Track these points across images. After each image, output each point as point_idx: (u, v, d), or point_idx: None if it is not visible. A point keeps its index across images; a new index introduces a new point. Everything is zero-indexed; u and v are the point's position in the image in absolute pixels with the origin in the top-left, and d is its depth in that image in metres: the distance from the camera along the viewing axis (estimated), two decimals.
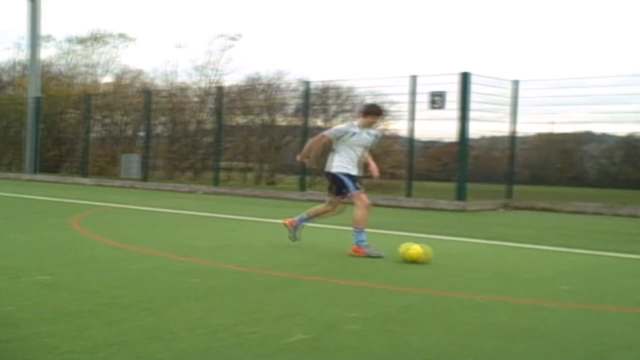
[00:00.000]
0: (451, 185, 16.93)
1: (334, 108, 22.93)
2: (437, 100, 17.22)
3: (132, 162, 24.99)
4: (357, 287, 5.72)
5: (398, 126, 20.30)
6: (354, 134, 7.78)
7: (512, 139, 18.65)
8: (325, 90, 22.49)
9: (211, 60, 30.15)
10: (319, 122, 22.61)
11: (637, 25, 56.06)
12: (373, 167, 8.12)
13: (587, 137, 22.45)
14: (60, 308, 4.52)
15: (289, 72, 26.14)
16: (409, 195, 17.68)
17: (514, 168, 18.84)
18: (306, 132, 20.60)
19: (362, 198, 7.74)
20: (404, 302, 5.10)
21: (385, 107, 21.03)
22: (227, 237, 9.31)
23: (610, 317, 4.90)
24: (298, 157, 8.39)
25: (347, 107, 22.80)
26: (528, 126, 19.52)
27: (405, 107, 18.35)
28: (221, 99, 22.80)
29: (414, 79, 17.97)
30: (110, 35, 33.47)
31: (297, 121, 21.73)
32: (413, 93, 17.94)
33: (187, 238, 8.90)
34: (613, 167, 22.40)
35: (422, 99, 17.63)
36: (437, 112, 17.43)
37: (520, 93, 18.37)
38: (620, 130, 20.08)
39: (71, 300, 4.77)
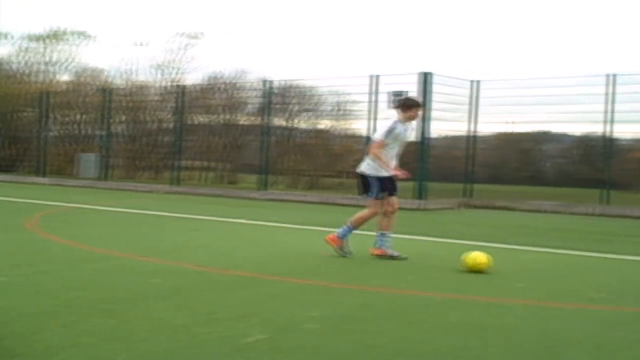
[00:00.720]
0: (411, 185, 17.05)
1: (295, 108, 22.93)
2: (398, 99, 17.34)
3: (89, 162, 24.72)
4: (316, 287, 5.76)
5: (360, 126, 20.37)
6: (401, 129, 7.50)
7: (472, 138, 18.86)
8: (286, 89, 22.48)
9: (172, 59, 29.96)
10: (281, 122, 22.61)
11: (594, 27, 56.98)
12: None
13: (545, 137, 22.78)
14: (15, 310, 4.47)
15: (250, 72, 26.11)
16: None
17: (474, 167, 19.05)
18: (268, 131, 20.61)
19: (376, 206, 7.49)
20: (362, 301, 5.15)
21: (348, 107, 21.17)
22: (188, 237, 9.28)
23: (564, 314, 5.00)
24: (401, 174, 7.55)
25: (309, 107, 22.82)
26: (488, 126, 19.78)
27: (372, 107, 18.44)
28: (182, 98, 22.69)
29: (375, 78, 18.08)
30: (70, 33, 33.02)
31: (259, 120, 21.70)
32: (374, 93, 18.04)
33: (148, 238, 8.85)
34: (570, 167, 22.74)
35: (384, 99, 17.73)
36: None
37: (481, 93, 18.60)
38: (578, 130, 20.39)
39: (26, 302, 4.72)
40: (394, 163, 7.55)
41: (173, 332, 4.03)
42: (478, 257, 6.60)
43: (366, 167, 7.58)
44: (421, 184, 16.65)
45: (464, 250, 8.65)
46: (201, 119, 24.33)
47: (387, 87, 17.74)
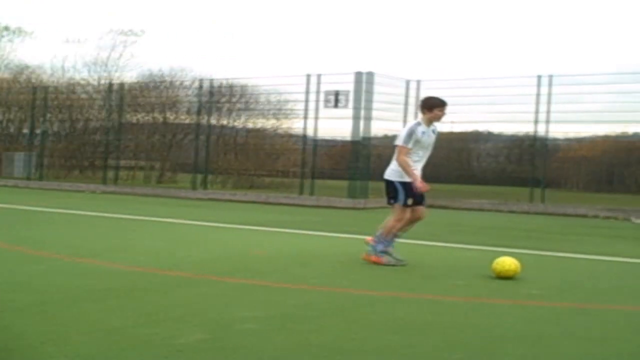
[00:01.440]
0: (354, 184, 17.12)
1: (235, 106, 22.80)
2: (339, 99, 17.39)
3: (16, 161, 24.11)
4: (257, 286, 5.69)
5: (300, 125, 20.35)
6: (423, 132, 7.05)
7: None
8: (225, 88, 22.34)
9: (110, 57, 29.46)
10: (219, 121, 22.45)
11: (530, 29, 58.22)
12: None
13: (483, 137, 23.16)
14: None
15: (190, 70, 25.79)
16: (311, 193, 17.78)
17: None
18: (206, 130, 20.43)
19: (404, 212, 7.12)
20: (303, 300, 5.11)
21: (286, 106, 21.13)
22: (125, 237, 9.11)
23: (503, 310, 5.05)
24: (422, 187, 7.01)
25: (248, 106, 22.72)
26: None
27: (307, 106, 18.44)
28: (120, 96, 22.31)
29: (317, 77, 18.10)
30: (5, 29, 32.16)
31: (197, 119, 21.49)
32: (315, 92, 18.06)
33: (82, 239, 8.65)
34: (509, 165, 23.18)
35: (324, 98, 17.75)
36: (340, 111, 17.60)
37: (422, 93, 18.76)
38: (515, 129, 20.79)
39: None
40: (419, 169, 7.13)
41: (108, 334, 3.92)
42: (507, 264, 6.33)
43: (390, 172, 7.19)
44: (362, 182, 16.71)
45: (405, 248, 8.72)
46: (138, 117, 23.99)
47: (327, 86, 17.78)
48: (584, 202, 16.70)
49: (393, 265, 6.95)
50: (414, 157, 7.07)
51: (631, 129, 20.25)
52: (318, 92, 18.00)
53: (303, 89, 18.26)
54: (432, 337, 4.12)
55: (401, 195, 7.08)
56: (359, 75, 16.87)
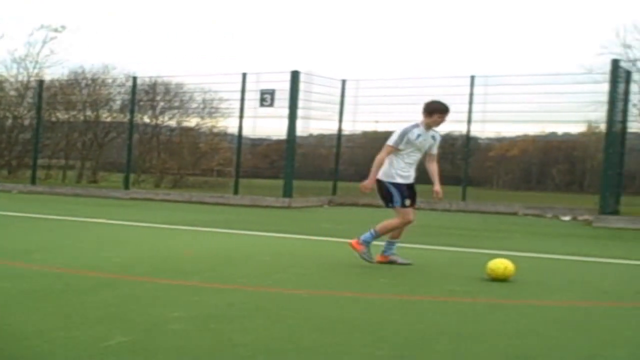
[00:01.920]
0: (279, 183, 17.12)
1: (162, 104, 22.48)
2: (266, 97, 17.35)
3: None
4: (182, 286, 5.63)
5: (228, 123, 20.26)
6: (419, 135, 6.97)
7: (338, 136, 19.14)
8: (153, 86, 22.00)
9: (31, 52, 28.60)
10: (146, 119, 22.11)
11: (458, 29, 59.29)
12: (438, 188, 7.37)
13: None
14: None
15: (115, 67, 25.22)
16: (236, 192, 17.70)
17: (339, 165, 19.34)
18: (133, 128, 20.09)
19: (406, 215, 7.04)
20: (227, 300, 5.08)
21: (215, 104, 20.96)
22: (44, 238, 8.88)
23: (424, 307, 5.14)
24: (367, 185, 7.21)
25: (176, 104, 22.43)
26: (354, 124, 20.12)
27: (235, 105, 18.35)
28: (41, 94, 21.71)
29: (244, 76, 18.00)
30: None
31: (123, 117, 21.11)
32: (243, 90, 17.96)
33: (1, 239, 8.39)
34: None
35: (253, 97, 17.69)
36: (267, 110, 17.56)
37: (348, 92, 18.90)
38: (439, 128, 21.11)
39: None
40: (411, 171, 7.12)
41: (25, 338, 3.81)
42: (503, 266, 6.23)
43: (381, 173, 7.12)
44: (288, 182, 16.72)
45: (331, 247, 8.79)
46: (62, 115, 23.38)
47: (257, 84, 17.73)
48: (505, 200, 17.11)
49: (365, 260, 7.11)
50: (408, 159, 7.04)
51: (549, 129, 20.90)
52: (245, 90, 17.90)
53: (236, 87, 18.14)
54: (356, 334, 4.15)
55: (396, 197, 7.02)
56: (293, 74, 16.85)
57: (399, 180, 7.02)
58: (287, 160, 16.89)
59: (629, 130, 15.45)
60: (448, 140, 21.49)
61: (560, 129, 21.11)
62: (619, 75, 13.90)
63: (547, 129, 20.67)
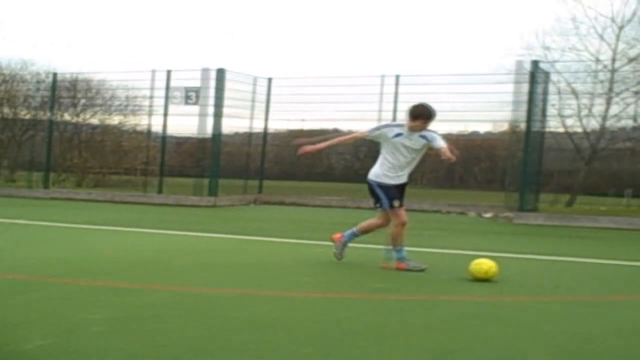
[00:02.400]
0: (204, 181, 16.97)
1: (83, 102, 21.96)
2: (191, 95, 17.17)
3: None
4: (103, 288, 5.51)
5: (151, 121, 19.92)
6: (398, 134, 6.78)
7: (264, 135, 19.09)
8: (74, 82, 21.47)
9: None
10: (67, 116, 21.57)
11: (378, 30, 59.94)
12: (445, 152, 6.70)
13: (334, 134, 23.58)
14: None
15: (34, 63, 24.50)
16: (160, 191, 17.47)
17: (265, 164, 19.30)
18: (51, 126, 19.59)
19: (399, 216, 6.90)
20: (151, 301, 5.00)
21: (138, 102, 20.59)
22: None
23: (349, 304, 5.18)
24: (307, 148, 7.35)
25: (98, 101, 21.94)
26: (280, 123, 20.12)
27: (158, 102, 18.10)
28: None
29: (168, 73, 17.76)
30: None
31: (43, 115, 20.53)
32: (164, 88, 17.72)
33: None
34: (357, 163, 23.74)
35: (177, 94, 17.46)
36: (191, 108, 17.38)
37: (273, 90, 18.87)
38: (365, 127, 21.29)
39: None
40: (400, 173, 6.91)
41: None
42: (486, 267, 6.24)
43: (371, 173, 7.05)
44: (213, 180, 16.59)
45: (256, 245, 8.75)
46: None
47: (181, 82, 17.51)
48: (429, 198, 17.36)
49: (336, 256, 7.22)
50: (393, 159, 6.86)
51: (472, 128, 21.33)
52: (166, 88, 17.67)
53: (156, 85, 17.89)
54: (280, 333, 4.14)
55: (384, 199, 6.92)
56: (218, 72, 16.71)
57: (385, 181, 6.91)
58: (212, 158, 16.75)
59: (548, 129, 15.91)
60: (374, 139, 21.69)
61: (482, 128, 21.62)
62: (538, 75, 14.29)
63: (470, 127, 21.13)
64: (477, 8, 54.86)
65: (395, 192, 6.92)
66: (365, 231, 7.28)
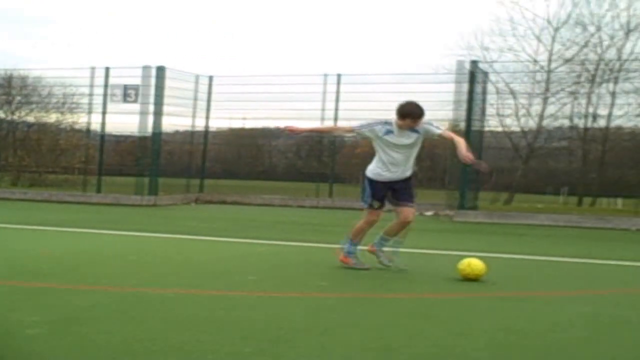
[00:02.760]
0: (143, 180, 16.74)
1: (18, 99, 21.43)
2: (131, 93, 16.92)
3: None
4: (41, 289, 5.39)
5: (90, 119, 19.56)
6: (388, 132, 6.60)
7: (205, 133, 18.95)
8: (8, 79, 20.94)
9: None
10: (1, 114, 21.03)
11: (322, 29, 60.09)
12: (461, 151, 6.46)
13: (276, 133, 23.56)
14: None
15: None
16: (98, 190, 17.18)
17: (206, 162, 19.16)
18: None
19: (369, 215, 6.77)
20: (90, 301, 4.91)
21: (76, 100, 20.20)
22: None
23: (292, 303, 5.17)
24: (294, 128, 7.11)
25: (34, 99, 21.45)
26: (221, 121, 20.00)
27: (97, 100, 17.79)
28: None
29: (107, 70, 17.47)
30: None
31: None
32: (106, 86, 17.44)
33: None
34: (299, 161, 23.75)
35: (116, 92, 17.19)
36: (130, 106, 17.14)
37: (215, 89, 18.74)
38: (306, 126, 21.31)
39: None
40: (392, 170, 6.68)
41: None
42: (474, 266, 6.22)
43: (368, 168, 6.89)
44: (153, 179, 16.38)
45: (197, 245, 8.68)
46: None
47: (121, 80, 17.25)
48: None
49: (358, 269, 6.69)
50: (384, 156, 6.69)
51: None
52: (105, 85, 17.39)
53: (92, 82, 17.58)
54: (223, 333, 4.11)
55: (367, 195, 6.78)
56: (158, 69, 16.50)
57: (376, 177, 6.75)
58: (152, 157, 16.54)
59: (487, 128, 16.17)
60: (314, 138, 21.75)
61: None
62: (477, 75, 14.51)
63: None
64: (419, 8, 55.48)
65: (382, 192, 6.75)
66: (394, 233, 6.90)
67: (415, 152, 6.76)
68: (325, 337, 4.11)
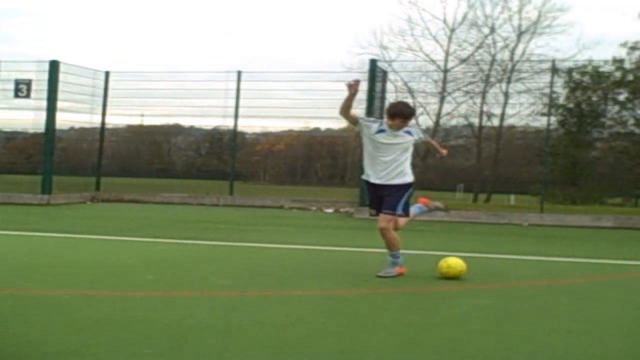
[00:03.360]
0: (36, 178, 16.14)
1: None
2: (22, 88, 16.26)
3: None
4: None
5: None
6: (380, 131, 6.33)
7: (102, 130, 18.44)
8: None
9: None
10: None
11: (213, 27, 59.60)
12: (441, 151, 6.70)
13: (175, 130, 23.22)
14: None
15: None
16: None
17: (103, 160, 18.66)
18: None
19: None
20: None
21: None
22: None
23: (192, 302, 5.10)
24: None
25: None
26: (119, 118, 19.50)
27: None
28: None
29: None
30: None
31: None
32: None
33: None
34: (199, 159, 23.52)
35: (7, 87, 16.50)
36: (25, 102, 16.48)
37: (112, 84, 18.24)
38: (206, 123, 21.12)
39: None
40: (374, 171, 6.42)
41: None
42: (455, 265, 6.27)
43: None
44: (47, 177, 15.82)
45: (94, 244, 8.44)
46: None
47: (11, 74, 16.55)
48: (272, 194, 17.45)
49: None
50: (368, 155, 6.48)
51: (313, 125, 21.68)
52: None
53: None
54: (122, 334, 4.02)
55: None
56: (51, 64, 15.91)
57: (364, 178, 6.62)
58: (45, 154, 15.96)
59: None
60: (215, 135, 21.57)
61: (323, 125, 22.00)
62: (376, 74, 14.69)
63: (311, 124, 21.46)
64: (322, 6, 55.85)
65: (371, 197, 6.66)
66: (393, 241, 6.54)
67: (404, 156, 6.44)
68: (227, 336, 4.07)
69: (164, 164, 23.70)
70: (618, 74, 17.26)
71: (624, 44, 17.96)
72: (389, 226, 6.41)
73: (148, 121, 21.06)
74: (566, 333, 4.37)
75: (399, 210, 6.41)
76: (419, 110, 20.44)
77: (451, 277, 6.22)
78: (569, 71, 17.53)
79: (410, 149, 6.48)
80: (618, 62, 17.35)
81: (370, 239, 10.06)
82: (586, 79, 17.43)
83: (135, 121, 20.78)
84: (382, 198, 6.44)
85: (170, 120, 21.60)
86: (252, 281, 6.05)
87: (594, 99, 17.66)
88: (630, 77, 17.21)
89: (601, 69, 17.20)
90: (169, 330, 4.14)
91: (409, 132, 6.44)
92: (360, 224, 12.40)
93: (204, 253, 7.96)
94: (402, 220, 6.57)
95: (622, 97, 17.41)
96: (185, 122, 21.64)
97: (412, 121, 6.65)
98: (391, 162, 6.37)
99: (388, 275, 6.32)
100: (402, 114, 6.39)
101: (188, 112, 18.36)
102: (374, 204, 6.64)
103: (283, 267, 6.80)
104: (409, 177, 6.45)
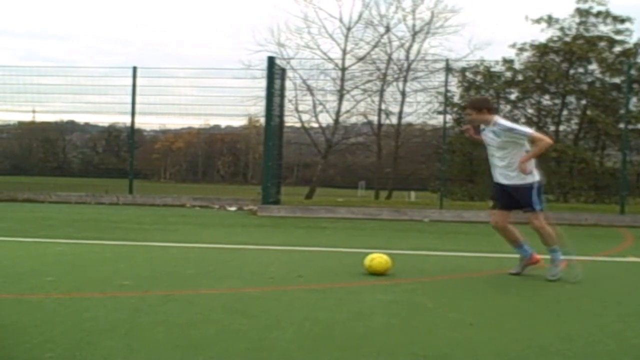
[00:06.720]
0: None
1: None
2: None
3: None
4: None
5: None
6: (482, 129, 6.36)
7: None
8: None
9: None
10: None
11: (115, 22, 58.27)
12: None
13: (70, 127, 22.57)
14: None
15: None
16: None
17: None
18: None
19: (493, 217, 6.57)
20: None
21: None
22: None
23: (94, 303, 4.96)
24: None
25: None
26: (8, 114, 18.77)
27: None
28: None
29: None
30: None
31: None
32: None
33: None
34: (96, 157, 22.95)
35: None
36: None
37: (1, 79, 17.53)
38: (103, 120, 20.64)
39: None
40: (494, 169, 6.49)
41: None
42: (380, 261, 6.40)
43: None
44: None
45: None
46: None
47: None
48: (173, 192, 17.20)
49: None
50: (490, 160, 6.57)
51: (213, 122, 21.49)
52: None
53: None
54: (20, 338, 3.89)
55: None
56: None
57: (495, 180, 6.61)
58: None
59: (286, 124, 16.44)
60: (112, 132, 21.09)
61: (224, 122, 21.87)
62: (275, 72, 14.68)
63: (211, 121, 21.26)
64: (221, 3, 55.45)
65: (494, 192, 6.72)
66: (547, 237, 6.41)
67: (507, 153, 6.34)
68: (130, 337, 4.00)
69: (59, 162, 23.00)
70: (509, 74, 17.87)
71: (512, 45, 18.62)
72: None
73: (40, 118, 20.36)
74: (468, 326, 4.51)
75: (532, 206, 6.33)
76: (318, 108, 20.61)
77: (377, 273, 6.36)
78: (463, 71, 18.02)
79: (507, 146, 6.32)
80: (508, 62, 17.96)
81: (274, 237, 10.08)
82: (479, 78, 17.96)
83: (26, 118, 20.06)
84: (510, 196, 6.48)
85: (65, 117, 20.94)
86: (156, 281, 5.95)
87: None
88: (520, 77, 17.84)
89: (493, 69, 17.78)
90: (70, 332, 4.03)
91: (493, 132, 6.38)
92: (263, 222, 12.39)
93: (105, 253, 7.76)
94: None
95: (513, 97, 18.04)
96: (80, 118, 21.02)
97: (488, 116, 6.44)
98: (498, 160, 6.47)
99: (556, 277, 6.26)
100: (482, 107, 6.44)
101: (83, 108, 17.85)
102: (494, 196, 6.91)
103: (187, 266, 6.71)
104: (522, 177, 6.33)
